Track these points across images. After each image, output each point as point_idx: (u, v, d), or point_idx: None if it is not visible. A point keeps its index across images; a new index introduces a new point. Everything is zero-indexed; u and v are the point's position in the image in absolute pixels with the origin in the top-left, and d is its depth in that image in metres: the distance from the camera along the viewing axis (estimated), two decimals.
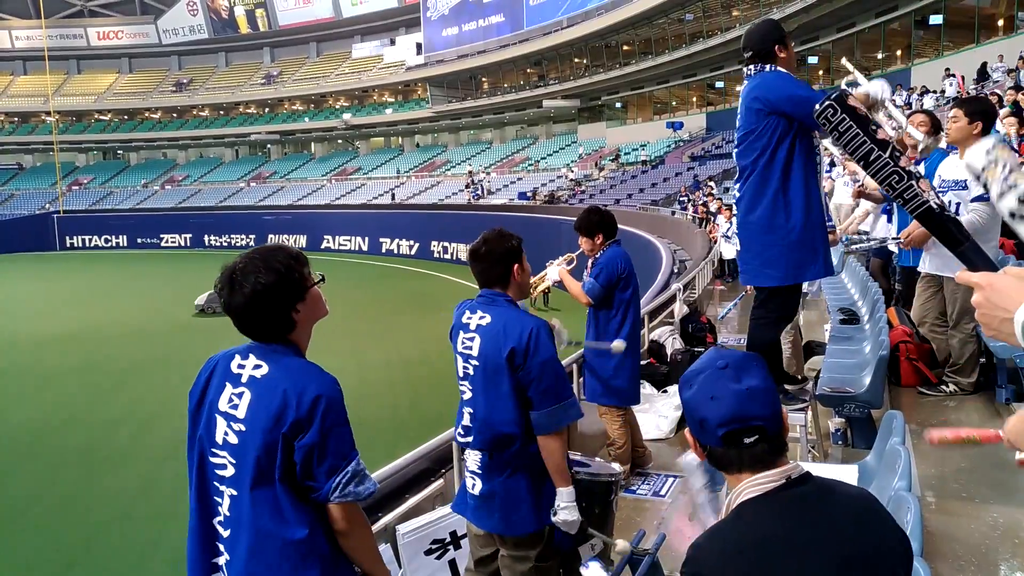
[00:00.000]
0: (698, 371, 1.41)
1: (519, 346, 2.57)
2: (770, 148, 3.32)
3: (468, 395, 2.72)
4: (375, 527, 2.98)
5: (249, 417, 1.89)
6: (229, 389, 1.94)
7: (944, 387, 4.62)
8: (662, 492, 4.41)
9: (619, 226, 4.83)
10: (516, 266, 2.74)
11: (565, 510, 2.55)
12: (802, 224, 3.33)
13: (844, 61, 3.31)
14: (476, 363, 2.68)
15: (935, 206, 1.54)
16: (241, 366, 1.95)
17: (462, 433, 2.76)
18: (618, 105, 44.41)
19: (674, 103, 41.54)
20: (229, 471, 1.92)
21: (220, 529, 1.95)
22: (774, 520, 1.28)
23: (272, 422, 1.85)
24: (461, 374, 2.76)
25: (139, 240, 50.11)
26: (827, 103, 1.72)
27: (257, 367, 1.93)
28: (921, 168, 4.53)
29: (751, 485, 1.33)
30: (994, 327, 1.11)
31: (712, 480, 1.66)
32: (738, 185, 3.55)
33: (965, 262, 1.40)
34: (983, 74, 19.53)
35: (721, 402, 1.35)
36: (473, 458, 2.74)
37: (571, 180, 38.43)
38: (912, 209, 1.60)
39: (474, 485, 2.72)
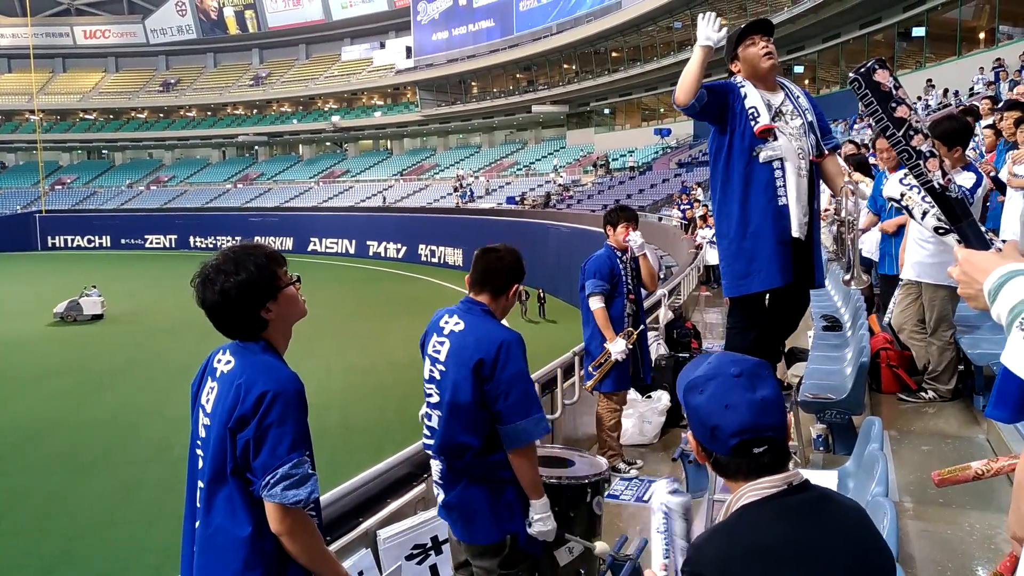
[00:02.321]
0: (709, 377, 1.37)
1: (487, 358, 2.52)
2: (713, 158, 3.43)
3: (434, 399, 2.70)
4: (355, 533, 2.97)
5: (212, 412, 1.94)
6: (208, 383, 2.00)
7: (923, 394, 4.67)
8: (645, 497, 4.43)
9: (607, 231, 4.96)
10: (516, 286, 2.73)
11: (539, 521, 2.55)
12: (737, 235, 3.35)
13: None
14: (443, 368, 2.65)
15: (938, 185, 1.64)
16: (219, 361, 2.00)
17: (427, 435, 2.76)
18: (606, 111, 44.59)
19: (662, 110, 41.72)
20: (200, 464, 1.96)
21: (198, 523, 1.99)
22: (775, 525, 1.29)
23: (225, 416, 1.87)
24: (427, 376, 2.74)
25: (123, 241, 49.75)
26: (853, 77, 1.79)
27: (228, 363, 1.96)
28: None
29: (753, 489, 1.33)
30: (972, 297, 1.21)
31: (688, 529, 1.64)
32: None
33: (961, 237, 1.48)
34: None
35: (736, 412, 1.32)
36: (436, 467, 2.76)
37: (559, 185, 38.53)
38: (921, 184, 1.70)
39: (439, 494, 2.76)
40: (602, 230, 4.96)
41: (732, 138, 3.32)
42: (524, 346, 2.61)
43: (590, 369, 4.78)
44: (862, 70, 1.78)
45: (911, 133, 1.70)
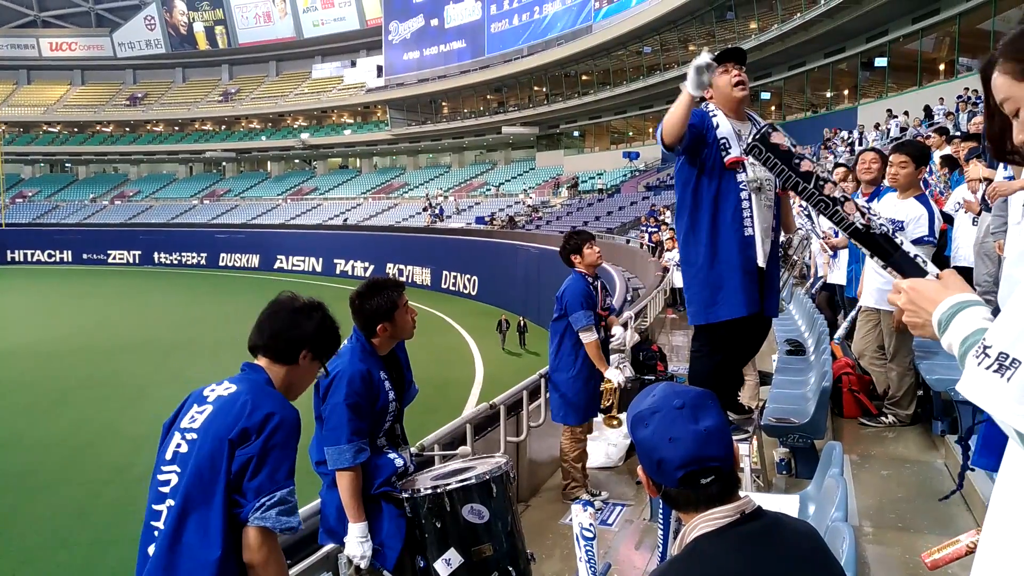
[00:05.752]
0: (653, 410, 1.37)
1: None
2: (682, 187, 3.45)
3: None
4: (316, 556, 2.93)
5: (203, 427, 1.93)
6: (194, 409, 2.00)
7: (884, 418, 4.75)
8: (609, 521, 4.42)
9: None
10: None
11: (348, 543, 2.65)
12: (705, 263, 3.37)
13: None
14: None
15: (860, 226, 1.64)
16: (212, 390, 2.02)
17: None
18: (576, 133, 45.01)
19: (631, 133, 42.27)
20: (173, 481, 1.92)
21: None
22: (729, 556, 1.28)
23: (224, 429, 1.88)
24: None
25: (85, 256, 48.73)
26: (752, 143, 1.82)
27: (227, 389, 2.00)
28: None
29: (705, 520, 1.33)
30: (919, 327, 1.21)
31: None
32: None
33: (897, 271, 1.48)
34: (929, 115, 20.29)
35: (680, 444, 1.32)
36: None
37: (528, 206, 38.73)
38: (843, 229, 1.72)
39: None
40: (568, 258, 4.85)
41: (703, 168, 3.34)
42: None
43: (601, 408, 4.63)
44: (758, 135, 1.82)
45: (821, 183, 1.73)
